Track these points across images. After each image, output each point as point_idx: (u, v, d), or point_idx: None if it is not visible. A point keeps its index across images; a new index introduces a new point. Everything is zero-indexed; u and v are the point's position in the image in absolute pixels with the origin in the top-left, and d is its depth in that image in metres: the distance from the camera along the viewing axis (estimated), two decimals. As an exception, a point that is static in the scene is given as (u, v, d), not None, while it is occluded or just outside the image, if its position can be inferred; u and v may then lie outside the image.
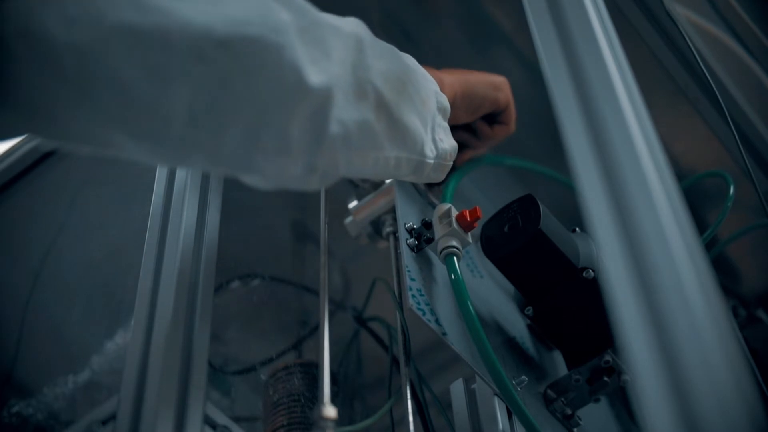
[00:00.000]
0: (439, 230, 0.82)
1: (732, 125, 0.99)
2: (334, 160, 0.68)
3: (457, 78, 0.88)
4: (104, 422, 0.72)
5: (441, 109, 0.79)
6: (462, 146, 0.92)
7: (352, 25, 0.70)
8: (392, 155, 0.73)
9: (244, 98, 0.61)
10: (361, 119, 0.68)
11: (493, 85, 0.92)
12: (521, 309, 0.87)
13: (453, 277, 0.79)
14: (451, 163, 0.80)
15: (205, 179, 0.88)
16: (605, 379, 0.83)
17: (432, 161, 0.77)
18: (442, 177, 0.81)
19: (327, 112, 0.65)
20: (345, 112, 0.66)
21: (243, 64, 0.60)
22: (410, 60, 0.77)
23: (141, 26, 0.57)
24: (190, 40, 0.58)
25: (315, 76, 0.63)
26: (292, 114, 0.63)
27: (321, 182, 0.70)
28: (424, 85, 0.76)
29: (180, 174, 0.88)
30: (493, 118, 0.94)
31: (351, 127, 0.67)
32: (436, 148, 0.78)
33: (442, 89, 0.82)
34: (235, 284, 1.13)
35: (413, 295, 0.77)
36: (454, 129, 0.85)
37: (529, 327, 0.93)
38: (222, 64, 0.60)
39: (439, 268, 0.84)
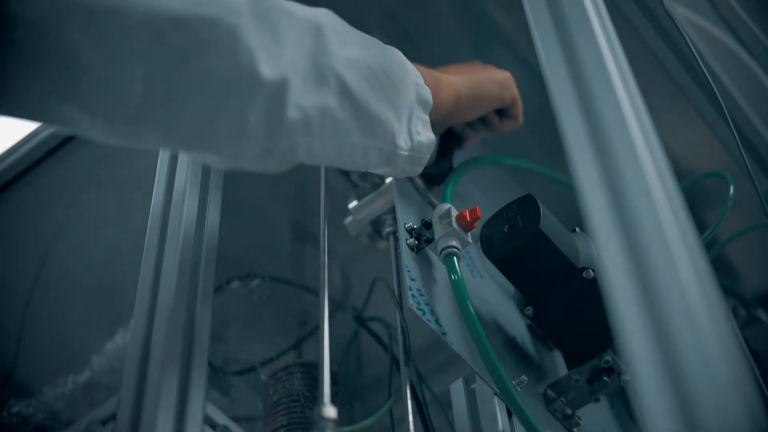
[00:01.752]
0: (438, 230, 0.82)
1: (732, 125, 0.99)
2: (293, 145, 0.68)
3: (462, 78, 0.88)
4: (104, 422, 0.72)
5: (421, 102, 0.78)
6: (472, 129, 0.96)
7: (315, 13, 0.70)
8: (359, 144, 0.73)
9: (199, 78, 0.62)
10: (321, 105, 0.68)
11: (499, 83, 0.93)
12: (521, 309, 0.87)
13: (453, 277, 0.79)
14: (428, 156, 0.80)
15: (205, 179, 0.88)
16: (605, 379, 0.83)
17: (406, 153, 0.77)
18: (419, 170, 0.81)
19: (283, 98, 0.65)
20: (303, 98, 0.67)
21: (198, 44, 0.61)
22: (391, 51, 0.77)
23: (96, 2, 0.57)
24: (145, 18, 0.59)
25: (266, 63, 0.64)
26: (247, 98, 0.64)
27: (278, 166, 0.70)
28: (401, 76, 0.76)
29: (180, 174, 0.88)
30: (501, 111, 0.96)
31: (310, 113, 0.67)
32: (411, 140, 0.77)
33: (438, 89, 0.82)
34: (235, 284, 1.13)
35: (413, 295, 0.77)
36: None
37: (529, 327, 0.93)
38: (177, 42, 0.60)
39: (439, 268, 0.84)
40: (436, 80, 0.83)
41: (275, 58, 0.64)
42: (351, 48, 0.72)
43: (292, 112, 0.66)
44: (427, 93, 0.79)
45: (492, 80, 0.92)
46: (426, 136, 0.79)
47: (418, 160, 0.79)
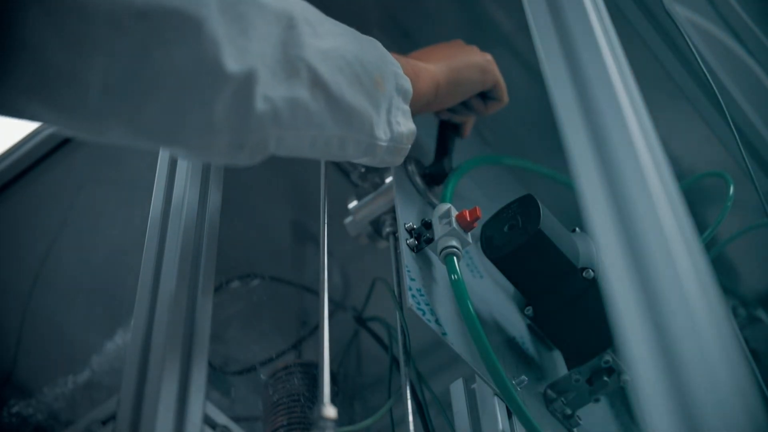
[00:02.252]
0: (438, 230, 0.82)
1: (732, 125, 0.99)
2: (264, 137, 0.67)
3: (441, 65, 0.88)
4: (104, 422, 0.72)
5: (401, 92, 0.78)
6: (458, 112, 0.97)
7: (286, 3, 0.69)
8: (335, 135, 0.72)
9: (163, 71, 0.61)
10: (292, 97, 0.67)
11: (479, 67, 0.92)
12: (521, 309, 0.87)
13: (453, 277, 0.79)
14: (408, 146, 0.80)
15: (205, 179, 0.88)
16: (605, 379, 0.83)
17: (385, 144, 0.77)
18: (400, 161, 0.81)
19: (251, 90, 0.64)
20: (272, 89, 0.66)
21: (161, 36, 0.60)
22: (369, 42, 0.77)
23: None
24: (107, 9, 0.58)
25: (232, 56, 0.62)
26: (213, 92, 0.63)
27: (250, 159, 0.69)
28: (380, 67, 0.75)
29: (180, 173, 0.88)
30: (485, 93, 0.96)
31: (280, 105, 0.66)
32: (391, 130, 0.77)
33: (417, 79, 0.81)
34: (235, 284, 1.13)
35: (413, 295, 0.77)
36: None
37: (529, 327, 0.93)
38: (140, 34, 0.59)
39: (439, 268, 0.84)
40: (414, 70, 0.82)
41: (241, 51, 0.63)
42: (325, 38, 0.71)
43: (260, 105, 0.65)
44: (407, 83, 0.79)
45: (472, 65, 0.91)
46: (406, 126, 0.79)
47: (398, 151, 0.79)
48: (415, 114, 0.82)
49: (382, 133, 0.76)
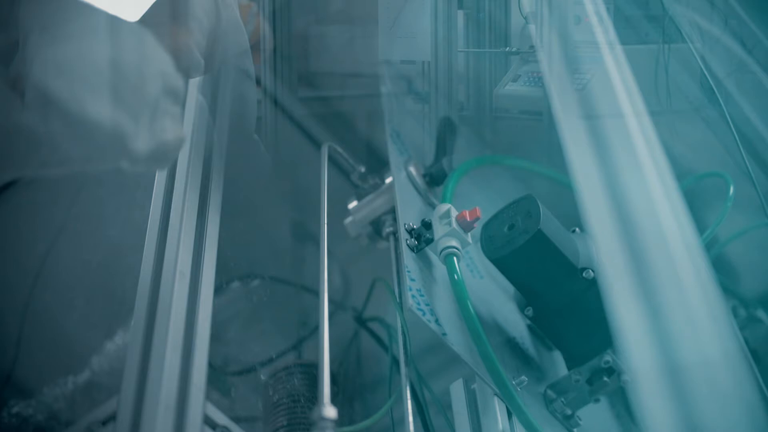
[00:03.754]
0: (438, 230, 0.82)
1: (732, 125, 0.99)
2: None
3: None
4: (104, 422, 0.72)
5: (171, 93, 0.67)
6: None
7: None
8: (75, 156, 0.63)
9: None
10: (14, 125, 0.58)
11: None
12: (521, 309, 0.87)
13: (453, 277, 0.79)
14: (177, 153, 0.70)
15: (206, 179, 0.88)
16: (605, 379, 0.83)
17: (144, 156, 0.65)
18: (166, 167, 0.73)
19: None
20: None
21: None
22: (134, 37, 0.65)
23: None
24: None
25: None
26: None
27: None
28: (140, 68, 0.64)
29: (180, 173, 0.88)
30: None
31: None
32: (155, 139, 0.65)
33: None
34: (235, 284, 1.13)
35: (413, 296, 0.77)
36: None
37: (529, 327, 0.93)
38: None
39: (439, 269, 0.84)
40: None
41: None
42: (67, 43, 0.60)
43: None
44: (178, 80, 0.67)
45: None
46: (173, 132, 0.67)
47: (161, 161, 0.68)
48: None
49: (141, 145, 0.64)
